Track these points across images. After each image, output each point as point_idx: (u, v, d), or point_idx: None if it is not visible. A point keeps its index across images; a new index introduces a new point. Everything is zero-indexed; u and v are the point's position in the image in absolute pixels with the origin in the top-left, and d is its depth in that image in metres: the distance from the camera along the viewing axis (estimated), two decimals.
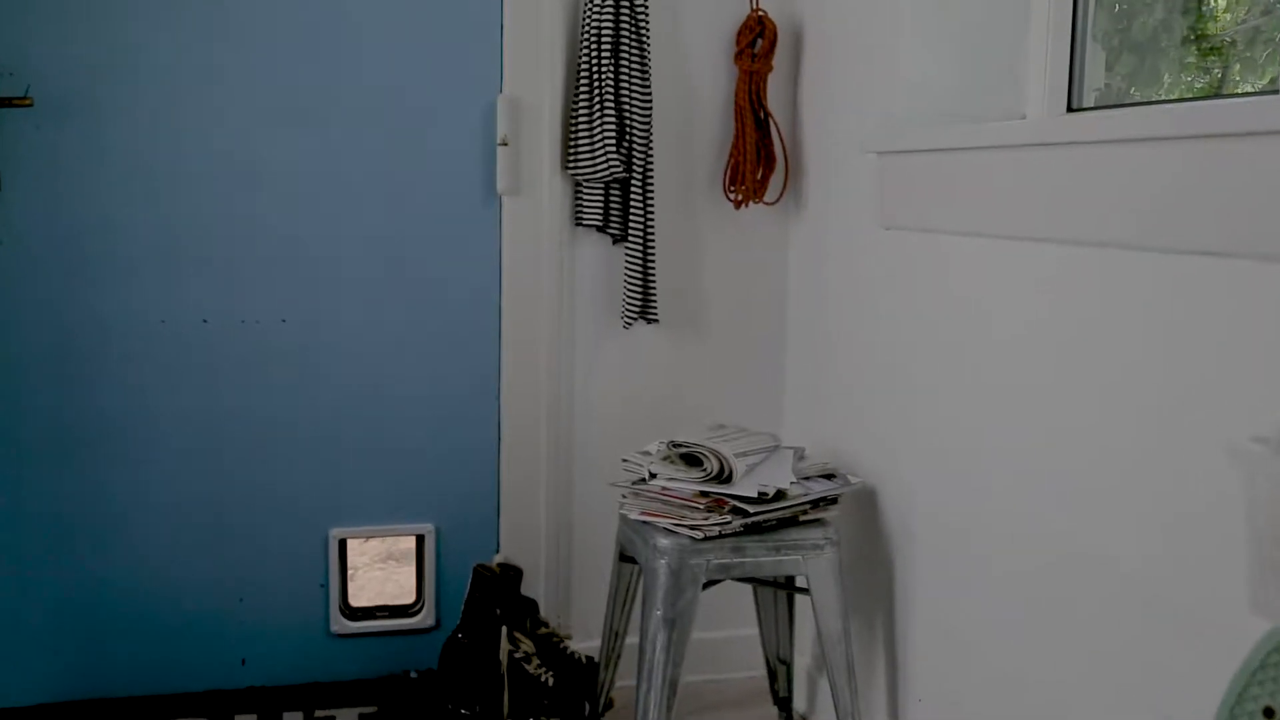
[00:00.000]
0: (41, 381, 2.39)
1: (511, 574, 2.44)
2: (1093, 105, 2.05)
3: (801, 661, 2.62)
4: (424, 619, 2.60)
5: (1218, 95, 1.86)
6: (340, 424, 2.53)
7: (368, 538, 2.58)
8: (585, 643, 2.66)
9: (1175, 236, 1.43)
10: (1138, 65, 2.02)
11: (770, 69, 2.57)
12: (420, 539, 2.60)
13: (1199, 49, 1.94)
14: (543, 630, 2.45)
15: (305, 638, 2.56)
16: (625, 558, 2.35)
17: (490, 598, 2.39)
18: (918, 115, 2.17)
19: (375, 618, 2.60)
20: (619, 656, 2.42)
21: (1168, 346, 1.46)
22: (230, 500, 2.49)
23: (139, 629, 2.48)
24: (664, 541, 2.08)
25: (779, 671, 2.53)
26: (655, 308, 2.55)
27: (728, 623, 2.71)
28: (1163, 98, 1.98)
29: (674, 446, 2.15)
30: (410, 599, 2.65)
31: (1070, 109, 2.07)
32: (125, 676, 2.48)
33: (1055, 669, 1.69)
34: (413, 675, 2.57)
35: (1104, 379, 1.58)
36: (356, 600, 2.64)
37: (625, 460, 2.26)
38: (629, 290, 2.53)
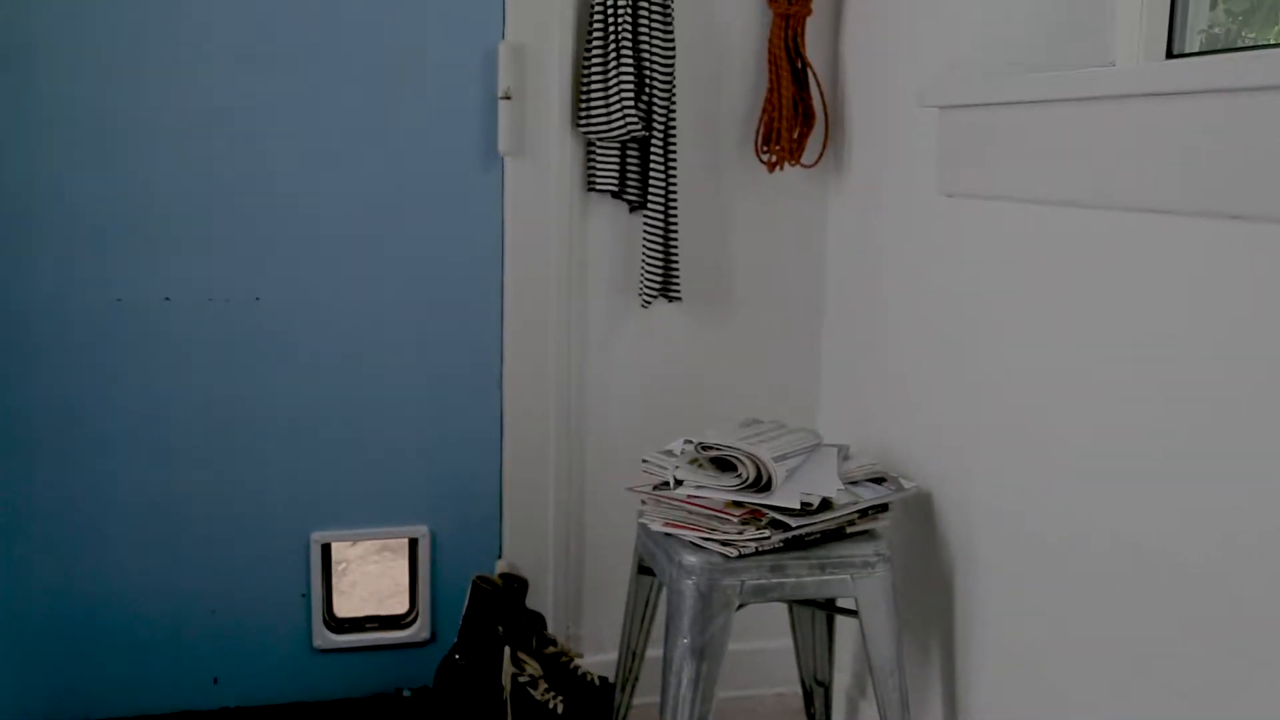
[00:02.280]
0: None
1: (515, 586, 2.16)
2: (1198, 50, 1.75)
3: (841, 679, 2.35)
4: (418, 631, 2.33)
5: None
6: (322, 414, 2.24)
7: (354, 541, 2.30)
8: (598, 657, 2.40)
9: None
10: (1254, 2, 1.71)
11: (809, 11, 2.26)
12: (414, 543, 2.32)
13: None
14: (550, 649, 2.17)
15: (284, 653, 2.29)
16: (645, 570, 2.07)
17: (491, 614, 2.11)
18: (985, 63, 1.87)
19: (363, 630, 2.33)
20: (637, 678, 2.15)
21: None
22: (199, 501, 2.22)
23: (99, 644, 2.21)
24: (691, 559, 1.80)
25: (816, 694, 2.26)
26: (678, 283, 2.26)
27: (757, 634, 2.43)
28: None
29: (703, 449, 1.86)
30: (404, 603, 2.38)
31: (1170, 55, 1.77)
32: (84, 696, 2.22)
33: (1143, 703, 1.41)
34: (405, 694, 2.30)
35: (1206, 367, 1.29)
36: (345, 605, 2.37)
37: (646, 461, 1.97)
38: (648, 264, 2.24)
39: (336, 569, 2.50)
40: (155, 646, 2.23)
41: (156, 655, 2.24)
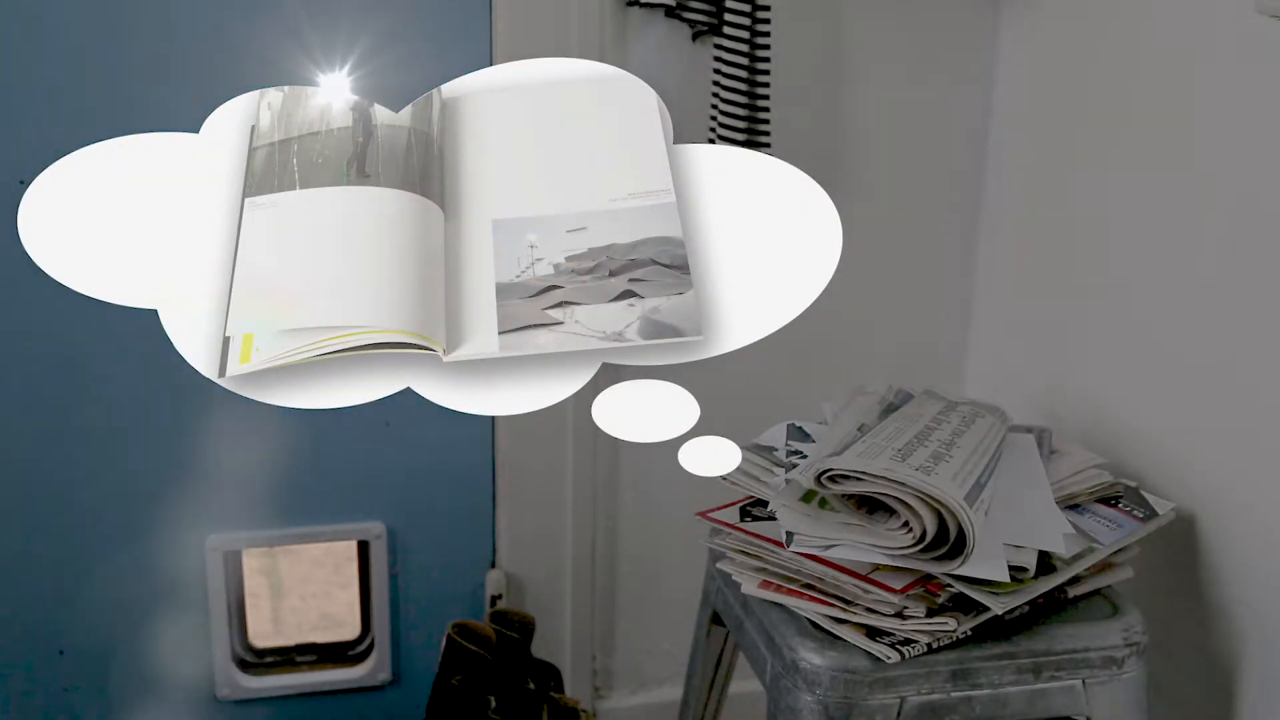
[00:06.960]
0: None
1: (515, 637, 1.40)
2: None
3: None
4: (374, 671, 1.58)
5: None
6: None
7: (272, 546, 1.54)
8: (637, 699, 1.67)
9: None
10: None
11: None
12: (364, 547, 1.56)
13: None
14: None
15: (173, 706, 1.55)
16: (720, 620, 1.31)
17: (477, 683, 1.36)
18: None
19: (294, 666, 1.59)
20: None
21: None
22: (38, 494, 1.45)
23: None
24: (814, 657, 1.04)
25: None
26: (767, 125, 1.41)
27: None
28: None
29: (830, 480, 1.05)
30: (352, 631, 1.63)
31: None
32: None
33: None
34: None
35: None
36: (267, 635, 1.63)
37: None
38: (725, 98, 1.40)
39: (266, 588, 1.74)
40: None
41: None
